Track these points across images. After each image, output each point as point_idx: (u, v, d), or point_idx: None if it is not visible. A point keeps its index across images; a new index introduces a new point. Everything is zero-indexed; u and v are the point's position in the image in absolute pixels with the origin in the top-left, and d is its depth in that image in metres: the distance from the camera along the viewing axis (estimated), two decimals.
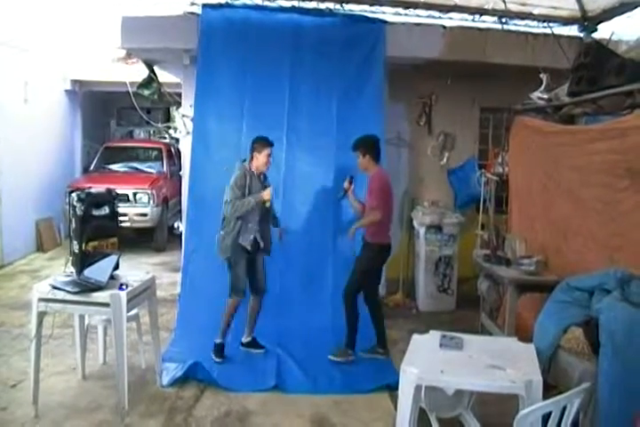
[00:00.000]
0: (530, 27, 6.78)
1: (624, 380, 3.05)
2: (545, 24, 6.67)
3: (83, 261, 4.09)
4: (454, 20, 6.74)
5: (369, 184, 5.18)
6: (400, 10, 6.55)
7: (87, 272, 4.06)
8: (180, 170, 7.83)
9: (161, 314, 5.18)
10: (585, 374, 3.26)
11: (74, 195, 4.10)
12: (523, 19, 6.68)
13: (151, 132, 14.70)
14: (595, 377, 3.16)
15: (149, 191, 9.72)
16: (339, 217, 6.02)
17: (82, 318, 4.59)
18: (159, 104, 9.26)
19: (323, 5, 6.39)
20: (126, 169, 10.80)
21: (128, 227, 9.34)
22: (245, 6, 6.23)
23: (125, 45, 6.55)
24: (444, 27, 6.64)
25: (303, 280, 5.96)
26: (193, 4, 6.25)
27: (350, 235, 5.13)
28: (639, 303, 3.24)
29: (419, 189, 7.53)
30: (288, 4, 6.30)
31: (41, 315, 3.95)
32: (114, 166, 10.81)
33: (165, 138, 13.76)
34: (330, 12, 6.36)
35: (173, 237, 9.97)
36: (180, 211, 8.70)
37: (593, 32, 6.45)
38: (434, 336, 3.61)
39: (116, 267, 4.17)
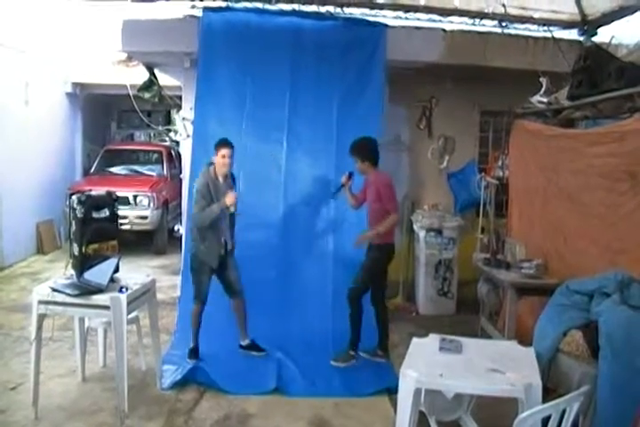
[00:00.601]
0: (530, 30, 6.78)
1: (623, 383, 3.06)
2: (545, 28, 6.67)
3: (83, 263, 4.09)
4: (454, 23, 6.74)
5: (377, 187, 5.09)
6: (400, 13, 6.55)
7: (87, 275, 4.06)
8: (181, 173, 7.84)
9: (161, 317, 5.18)
10: (584, 377, 3.26)
11: (74, 197, 4.10)
12: (523, 22, 6.69)
13: (151, 134, 14.72)
14: (594, 380, 3.16)
15: (150, 194, 9.72)
16: (340, 220, 6.01)
17: (82, 320, 4.59)
18: (160, 107, 9.30)
19: (323, 9, 6.39)
20: (127, 172, 10.81)
21: (128, 229, 9.32)
22: (246, 9, 6.23)
23: (126, 48, 6.57)
24: (445, 30, 6.65)
25: (303, 283, 5.93)
26: (194, 7, 6.26)
27: (365, 239, 5.13)
28: (638, 307, 3.25)
29: (419, 193, 7.53)
30: (288, 8, 6.30)
31: (41, 317, 3.95)
32: (114, 169, 10.82)
33: (166, 141, 13.76)
34: (330, 16, 6.36)
35: (173, 240, 9.94)
36: (180, 214, 8.68)
37: (593, 36, 6.46)
38: (433, 340, 3.62)
39: (116, 270, 4.17)
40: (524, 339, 3.90)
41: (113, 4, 6.54)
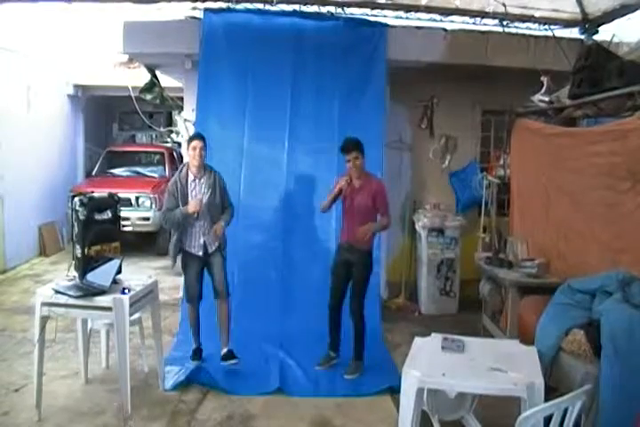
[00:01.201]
0: (531, 29, 6.78)
1: (625, 382, 3.06)
2: (546, 27, 6.68)
3: (85, 265, 4.10)
4: (455, 23, 6.76)
5: (373, 194, 4.90)
6: (401, 13, 6.56)
7: (90, 276, 4.07)
8: None
9: (163, 318, 5.19)
10: (586, 376, 3.26)
11: (76, 199, 4.10)
12: (524, 21, 6.69)
13: (153, 136, 14.71)
14: (596, 379, 3.16)
15: (152, 195, 9.74)
16: (340, 220, 6.01)
17: (84, 322, 4.60)
18: (161, 108, 9.30)
19: (324, 9, 6.40)
20: (129, 173, 10.82)
21: (130, 231, 9.35)
22: (247, 10, 6.25)
23: (127, 50, 6.57)
24: (446, 30, 6.65)
25: (305, 283, 5.94)
26: (195, 8, 6.27)
27: (364, 236, 4.83)
28: None
29: (420, 192, 7.53)
30: (289, 8, 6.31)
31: (44, 319, 3.96)
32: (116, 171, 10.83)
33: (167, 142, 13.76)
34: (331, 16, 6.37)
35: None
36: None
37: (594, 34, 6.46)
38: (436, 339, 3.62)
39: (119, 271, 4.18)
40: (527, 338, 3.90)
41: (114, 5, 6.54)
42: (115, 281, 4.06)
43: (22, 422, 3.95)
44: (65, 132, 11.09)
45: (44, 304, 3.91)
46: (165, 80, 7.74)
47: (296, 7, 6.33)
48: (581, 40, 6.55)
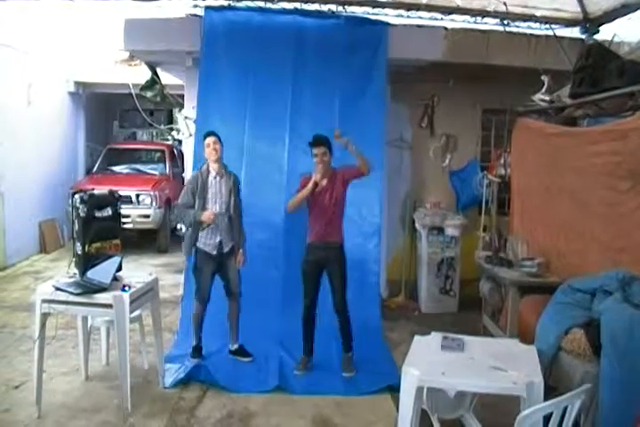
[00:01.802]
0: (532, 29, 6.77)
1: (625, 381, 3.06)
2: (547, 26, 6.66)
3: (86, 262, 4.11)
4: (456, 21, 6.75)
5: (339, 177, 4.91)
6: (402, 12, 6.56)
7: (90, 274, 4.07)
8: (183, 171, 7.85)
9: (164, 315, 5.19)
10: (586, 375, 3.27)
11: (77, 196, 4.11)
12: (525, 21, 6.68)
13: (154, 133, 14.73)
14: (596, 379, 3.17)
15: (152, 193, 9.74)
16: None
17: (85, 319, 4.61)
18: (162, 106, 9.30)
19: (325, 7, 6.40)
20: (129, 171, 10.82)
21: (131, 228, 9.36)
22: (248, 8, 6.25)
23: (128, 47, 6.58)
24: (447, 29, 6.64)
25: None
26: (196, 6, 6.27)
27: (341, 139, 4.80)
28: None
29: (421, 191, 7.53)
30: (290, 6, 6.30)
31: (44, 316, 3.96)
32: (117, 168, 10.84)
33: (168, 140, 13.78)
34: (332, 14, 6.36)
35: (176, 239, 9.95)
36: None
37: (595, 34, 6.45)
38: (435, 338, 3.62)
39: (119, 268, 4.18)
40: (526, 337, 3.91)
41: (115, 3, 6.54)
42: (115, 278, 4.07)
43: (22, 418, 3.95)
44: (65, 130, 11.09)
45: (44, 301, 3.91)
46: (166, 77, 7.74)
47: (297, 5, 6.33)
48: (582, 39, 6.54)
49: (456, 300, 6.95)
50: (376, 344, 5.54)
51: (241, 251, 5.08)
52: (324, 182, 4.88)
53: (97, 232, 4.17)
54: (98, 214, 4.19)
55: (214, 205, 4.93)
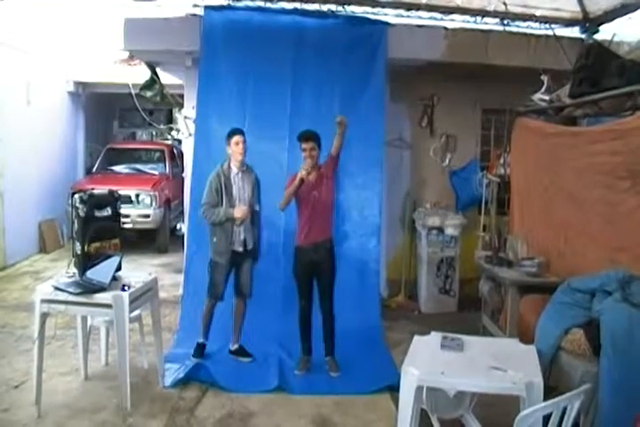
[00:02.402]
0: (531, 28, 6.76)
1: (625, 381, 3.06)
2: (546, 25, 6.66)
3: (85, 262, 4.10)
4: (456, 21, 6.75)
5: (324, 171, 4.94)
6: (402, 11, 6.55)
7: (90, 273, 4.07)
8: (183, 171, 7.85)
9: (163, 315, 5.20)
10: (586, 375, 3.27)
11: (76, 196, 4.11)
12: (524, 20, 6.68)
13: (154, 133, 14.73)
14: (595, 379, 3.17)
15: (152, 193, 9.74)
16: (341, 218, 6.02)
17: (84, 319, 4.61)
18: (161, 106, 9.29)
19: (325, 7, 6.40)
20: (129, 170, 10.82)
21: (130, 228, 9.35)
22: (247, 8, 6.24)
23: (128, 47, 6.57)
24: (446, 28, 6.65)
25: None
26: (195, 5, 6.26)
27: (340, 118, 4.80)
28: None
29: (420, 191, 7.53)
30: (290, 6, 6.30)
31: (44, 316, 3.96)
32: (116, 168, 10.84)
33: (168, 139, 13.78)
34: (332, 14, 6.36)
35: (176, 239, 9.97)
36: (182, 212, 8.73)
37: (594, 33, 6.46)
38: (435, 337, 3.62)
39: (119, 268, 4.19)
40: (526, 337, 3.91)
41: (116, 2, 6.55)
42: (115, 278, 4.07)
43: (22, 418, 3.96)
44: (65, 129, 11.09)
45: (43, 301, 3.91)
46: (166, 77, 7.73)
47: (297, 5, 6.32)
48: (582, 39, 6.55)
49: (456, 299, 6.95)
50: (376, 344, 5.55)
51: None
52: (312, 178, 4.87)
53: (96, 232, 4.17)
54: (97, 214, 4.19)
55: (241, 202, 4.98)
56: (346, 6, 6.41)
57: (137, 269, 7.45)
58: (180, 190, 8.67)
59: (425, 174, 7.57)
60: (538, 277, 4.86)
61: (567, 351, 3.53)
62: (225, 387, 4.57)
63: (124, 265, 4.28)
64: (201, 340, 5.12)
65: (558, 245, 5.08)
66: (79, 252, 4.11)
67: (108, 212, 4.28)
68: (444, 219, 6.84)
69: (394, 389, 4.16)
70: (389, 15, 6.55)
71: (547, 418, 2.70)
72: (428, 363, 3.26)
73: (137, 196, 9.61)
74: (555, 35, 6.55)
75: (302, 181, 4.79)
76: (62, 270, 4.40)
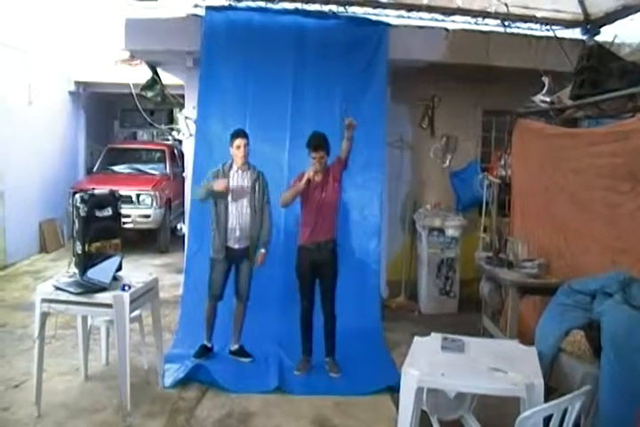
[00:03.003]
0: (532, 30, 6.77)
1: (625, 383, 3.06)
2: (548, 27, 6.67)
3: (86, 262, 4.10)
4: (457, 22, 6.75)
5: (330, 173, 4.98)
6: (403, 12, 6.56)
7: (90, 273, 4.07)
8: (183, 171, 7.85)
9: (163, 315, 5.18)
10: (586, 377, 3.27)
11: (77, 196, 4.11)
12: (525, 22, 6.68)
13: (154, 133, 14.72)
14: (596, 380, 3.17)
15: (152, 193, 9.74)
16: (342, 218, 6.01)
17: (85, 318, 4.61)
18: (162, 106, 9.28)
19: (326, 8, 6.40)
20: (129, 171, 10.83)
21: (131, 228, 9.35)
22: (249, 8, 6.25)
23: (129, 47, 6.57)
24: (447, 29, 6.64)
25: None
26: (196, 6, 6.27)
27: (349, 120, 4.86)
28: None
29: (421, 192, 7.53)
30: (291, 7, 6.31)
31: (44, 316, 3.96)
32: (117, 168, 10.84)
33: (168, 140, 13.77)
34: (333, 15, 6.36)
35: (176, 239, 9.97)
36: (182, 212, 8.72)
37: (596, 35, 6.46)
38: (435, 339, 3.62)
39: (119, 268, 4.19)
40: (526, 338, 3.91)
41: (116, 2, 6.55)
42: (115, 278, 4.07)
43: (22, 417, 3.96)
44: (66, 129, 11.08)
45: (44, 301, 3.91)
46: (167, 77, 7.73)
47: (298, 5, 6.33)
48: (583, 41, 6.55)
49: (456, 300, 6.95)
50: (376, 344, 5.55)
51: (263, 251, 5.12)
52: (318, 179, 4.89)
53: (97, 232, 4.17)
54: (98, 214, 4.19)
55: (236, 198, 4.98)
56: (347, 7, 6.41)
57: (137, 270, 7.48)
58: (180, 191, 8.68)
59: (425, 175, 7.58)
60: (538, 279, 4.86)
61: (568, 353, 3.53)
62: (225, 387, 4.57)
63: (124, 265, 4.28)
64: (206, 343, 5.13)
65: (559, 247, 5.08)
66: (80, 251, 4.11)
67: (108, 212, 4.28)
68: (445, 220, 6.85)
69: (394, 390, 4.17)
70: (390, 16, 6.56)
71: (547, 420, 2.71)
72: (428, 364, 3.26)
73: (137, 196, 9.62)
74: (556, 36, 6.55)
75: (309, 181, 4.81)
76: (63, 270, 4.41)
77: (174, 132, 12.82)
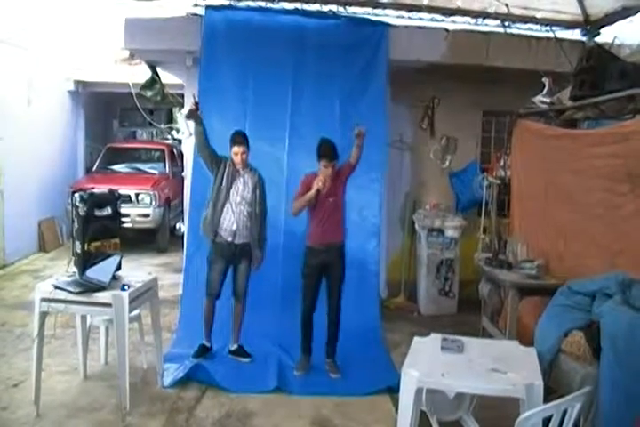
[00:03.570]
0: (532, 30, 6.78)
1: (625, 384, 3.05)
2: (547, 28, 6.67)
3: (85, 261, 4.10)
4: (457, 23, 6.75)
5: (341, 179, 4.99)
6: (403, 13, 6.57)
7: (89, 273, 4.07)
8: (183, 171, 7.85)
9: (163, 315, 5.18)
10: (586, 378, 3.27)
11: (76, 195, 4.11)
12: (525, 22, 6.69)
13: (154, 133, 14.71)
14: (596, 381, 3.16)
15: (152, 192, 9.74)
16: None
17: (84, 318, 4.61)
18: (162, 105, 9.29)
19: (326, 8, 6.41)
20: (129, 170, 10.83)
21: (130, 228, 9.32)
22: (248, 8, 6.26)
23: (129, 46, 6.58)
24: (447, 30, 6.64)
25: None
26: (196, 5, 6.27)
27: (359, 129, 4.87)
28: None
29: (421, 192, 7.53)
30: (291, 7, 6.31)
31: (43, 315, 3.96)
32: (116, 167, 10.84)
33: (168, 139, 13.77)
34: (333, 15, 6.37)
35: (175, 238, 9.95)
36: (182, 212, 8.71)
37: (595, 36, 6.46)
38: (435, 339, 3.62)
39: (119, 267, 4.19)
40: (525, 339, 3.91)
41: (116, 1, 6.55)
42: (114, 277, 4.07)
43: (20, 417, 3.96)
44: (65, 128, 11.07)
45: (43, 300, 3.91)
46: (166, 77, 7.73)
47: (298, 5, 6.34)
48: (583, 42, 6.55)
49: (455, 301, 6.95)
50: (375, 345, 5.54)
51: (259, 255, 5.17)
52: (327, 184, 4.88)
53: (96, 231, 4.17)
54: (97, 213, 4.19)
55: (236, 197, 5.01)
56: (347, 7, 6.42)
57: (137, 269, 7.47)
58: (179, 190, 8.67)
59: (425, 176, 7.58)
60: (537, 280, 4.86)
61: (567, 354, 3.52)
62: (224, 387, 4.57)
63: (123, 264, 4.28)
64: (205, 342, 5.13)
65: (558, 248, 5.08)
66: (79, 251, 4.11)
67: (107, 211, 4.28)
68: (444, 220, 6.85)
69: (393, 390, 4.18)
70: (390, 16, 6.57)
71: (547, 421, 2.71)
72: (427, 365, 3.26)
73: (137, 195, 9.61)
74: (555, 37, 6.55)
75: (318, 191, 4.81)
76: (62, 269, 4.40)
77: (174, 132, 12.84)
